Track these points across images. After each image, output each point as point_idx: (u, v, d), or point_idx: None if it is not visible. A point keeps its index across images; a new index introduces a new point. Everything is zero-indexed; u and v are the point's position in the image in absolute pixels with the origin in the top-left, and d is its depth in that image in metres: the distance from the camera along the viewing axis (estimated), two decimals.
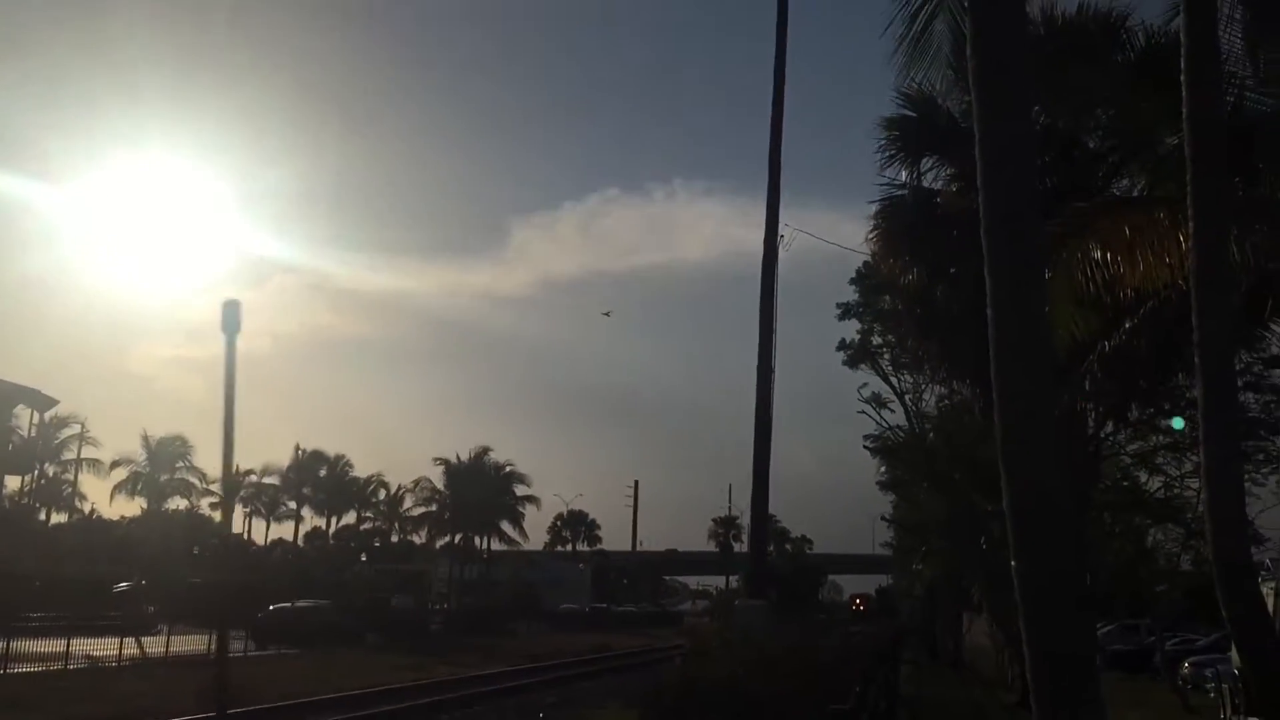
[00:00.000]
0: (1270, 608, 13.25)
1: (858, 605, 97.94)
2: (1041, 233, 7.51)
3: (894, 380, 35.20)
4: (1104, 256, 13.01)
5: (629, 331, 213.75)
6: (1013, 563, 7.14)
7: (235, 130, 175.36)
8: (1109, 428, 23.27)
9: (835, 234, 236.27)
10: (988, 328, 7.24)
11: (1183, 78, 10.56)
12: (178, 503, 78.62)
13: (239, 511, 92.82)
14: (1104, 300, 13.01)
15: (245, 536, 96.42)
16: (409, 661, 32.44)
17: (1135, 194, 17.13)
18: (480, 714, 20.91)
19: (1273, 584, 14.93)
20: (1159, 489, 30.44)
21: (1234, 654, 17.26)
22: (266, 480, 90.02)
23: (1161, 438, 27.62)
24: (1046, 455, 7.00)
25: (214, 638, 32.24)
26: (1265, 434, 24.76)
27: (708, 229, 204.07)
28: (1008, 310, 7.04)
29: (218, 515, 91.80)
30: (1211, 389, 10.07)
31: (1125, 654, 43.49)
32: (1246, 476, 26.68)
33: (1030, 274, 7.28)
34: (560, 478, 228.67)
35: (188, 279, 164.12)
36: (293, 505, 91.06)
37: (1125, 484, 30.66)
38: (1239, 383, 24.16)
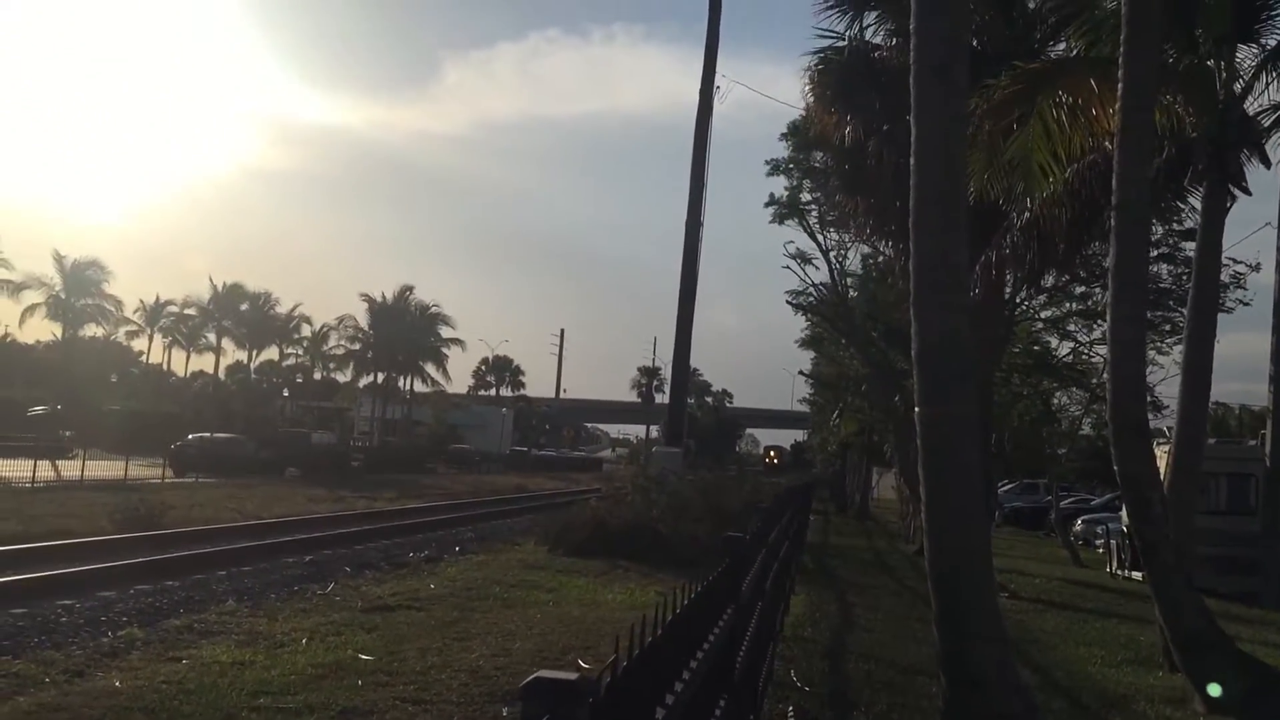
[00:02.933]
0: (1160, 470, 13.79)
1: (771, 458, 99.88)
2: (966, 82, 7.46)
3: (820, 238, 35.30)
4: (1075, 103, 12.90)
5: (564, 179, 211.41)
6: (915, 409, 7.32)
7: None
8: (1024, 292, 23.71)
9: (776, 88, 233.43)
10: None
11: None
12: (94, 330, 77.06)
13: (159, 341, 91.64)
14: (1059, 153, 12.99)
15: (165, 367, 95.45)
16: (327, 495, 32.69)
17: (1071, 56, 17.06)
18: (398, 546, 21.20)
19: (1167, 448, 15.54)
20: (1068, 354, 31.36)
21: (1123, 513, 18.10)
22: (187, 311, 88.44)
23: (1073, 304, 28.27)
24: (956, 302, 7.12)
25: (129, 463, 32.22)
26: (1174, 305, 25.44)
27: (647, 76, 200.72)
28: (929, 157, 7.06)
29: (136, 344, 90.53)
30: (1124, 253, 10.25)
31: (1023, 511, 45.45)
32: (1152, 346, 27.63)
33: (954, 124, 7.28)
34: (487, 323, 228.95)
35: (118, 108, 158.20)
36: (213, 338, 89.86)
37: (1036, 348, 31.51)
38: (1154, 253, 24.73)
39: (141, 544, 17.31)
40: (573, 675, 1.70)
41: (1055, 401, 36.03)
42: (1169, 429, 22.36)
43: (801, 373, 57.18)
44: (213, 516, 22.81)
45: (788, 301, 38.82)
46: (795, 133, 31.25)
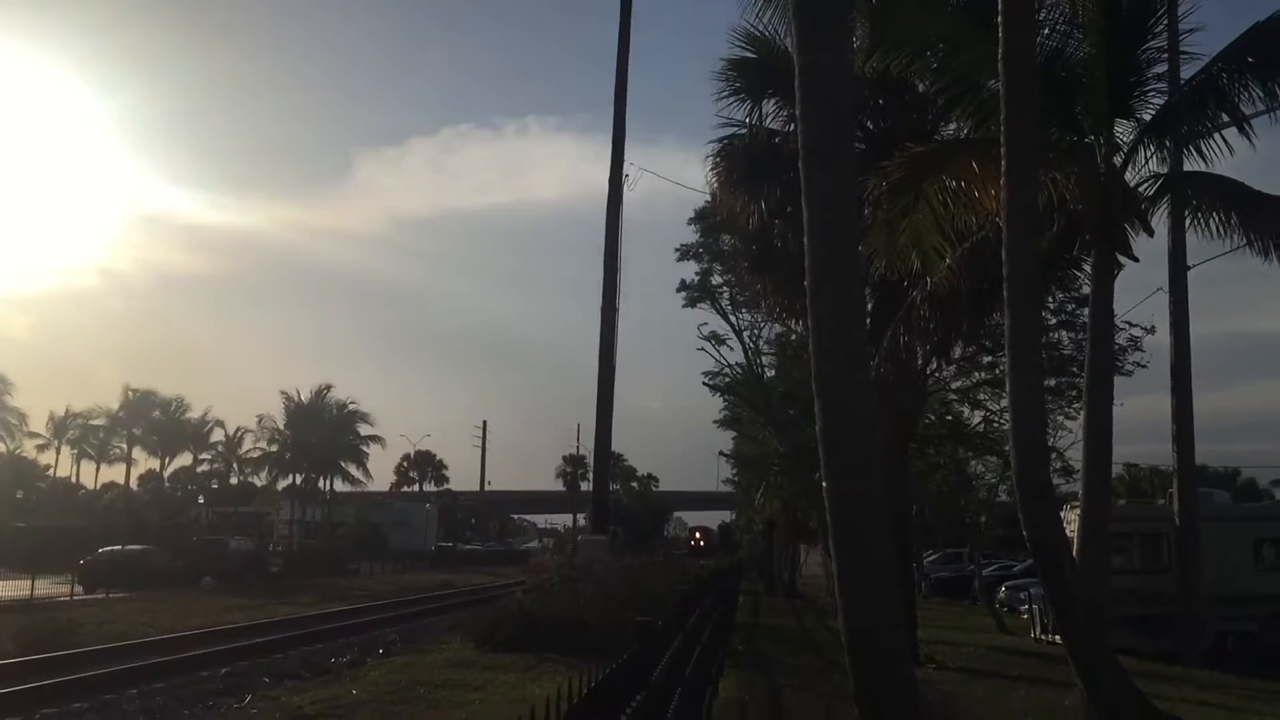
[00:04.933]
0: (1071, 533, 14.08)
1: (696, 540, 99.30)
2: (854, 164, 7.72)
3: (733, 318, 35.84)
4: (958, 186, 13.37)
5: (479, 272, 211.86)
6: (824, 484, 7.42)
7: (65, 55, 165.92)
8: (934, 365, 24.20)
9: (684, 174, 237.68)
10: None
11: (1000, 19, 10.90)
12: None
13: (66, 454, 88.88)
14: (948, 232, 13.41)
15: (74, 479, 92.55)
16: (245, 603, 31.82)
17: (962, 137, 17.69)
18: (319, 652, 20.68)
19: (1077, 511, 15.87)
20: (979, 423, 31.99)
21: None
22: (95, 422, 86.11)
23: (982, 374, 28.90)
24: (856, 379, 7.27)
25: (35, 581, 31.07)
26: (1077, 371, 26.13)
27: (560, 167, 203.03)
28: (820, 241, 7.26)
29: (43, 458, 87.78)
30: (1018, 323, 10.59)
31: (948, 580, 45.79)
32: (1060, 411, 28.36)
33: (842, 202, 7.50)
34: (407, 419, 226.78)
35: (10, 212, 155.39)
36: (124, 447, 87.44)
37: (949, 418, 32.09)
38: (1053, 321, 25.48)
39: (48, 665, 16.68)
40: None
41: (971, 469, 36.65)
42: (1080, 491, 22.91)
43: (722, 453, 57.47)
44: (124, 632, 22.06)
45: (704, 383, 39.21)
46: (702, 217, 31.84)
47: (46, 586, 32.91)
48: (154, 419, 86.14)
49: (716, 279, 34.47)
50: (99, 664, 17.35)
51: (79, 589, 34.72)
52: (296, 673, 17.46)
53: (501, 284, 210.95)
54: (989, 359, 27.63)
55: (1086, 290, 17.93)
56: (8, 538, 45.78)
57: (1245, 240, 13.27)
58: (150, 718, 12.80)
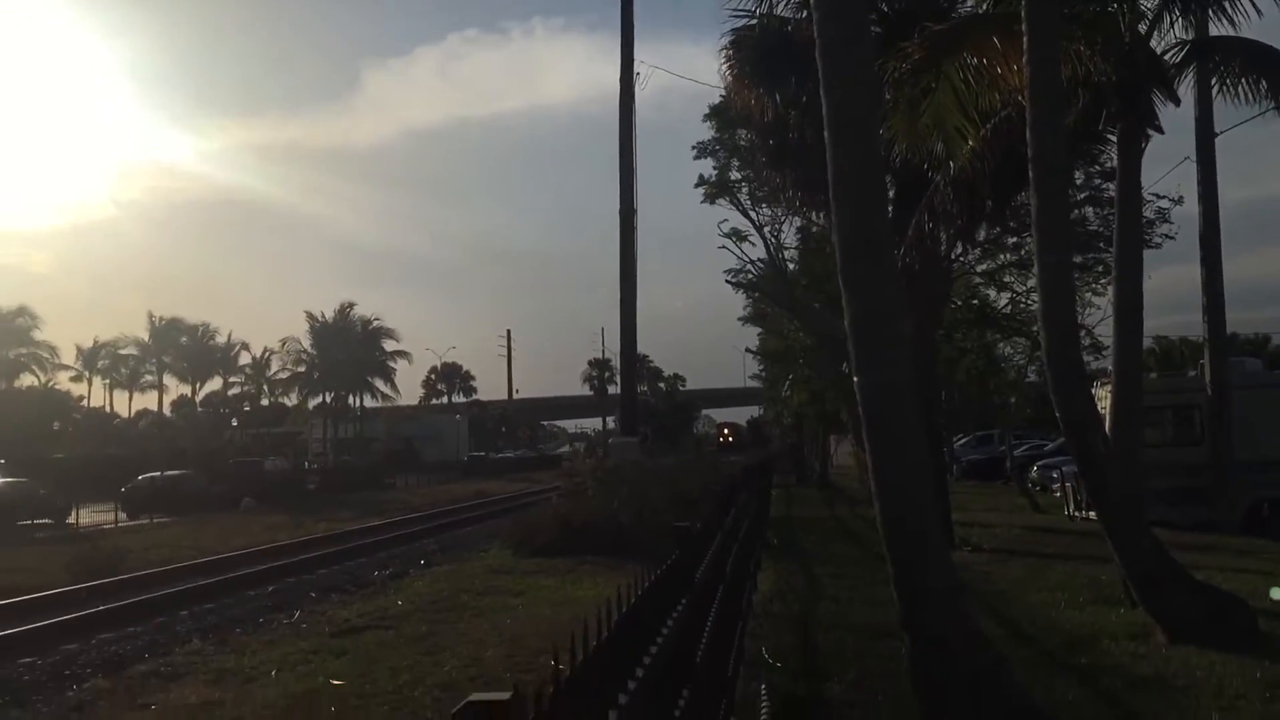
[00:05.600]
0: (1102, 410, 14.02)
1: (725, 436, 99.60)
2: (871, 51, 7.52)
3: (753, 214, 35.43)
4: (980, 64, 13.03)
5: (494, 179, 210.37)
6: (854, 377, 7.38)
7: None
8: (959, 249, 23.95)
9: (695, 69, 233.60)
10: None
11: None
12: (29, 379, 75.53)
13: (98, 385, 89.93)
14: (970, 112, 13.11)
15: (108, 409, 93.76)
16: (285, 522, 32.37)
17: (982, 12, 17.20)
18: (361, 566, 21.06)
19: (1109, 387, 15.78)
20: (1006, 305, 31.77)
21: None
22: (124, 351, 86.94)
23: (1007, 255, 28.59)
24: (882, 270, 7.18)
25: (78, 511, 31.70)
26: (1104, 246, 25.81)
27: (570, 69, 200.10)
28: (841, 130, 7.10)
29: (76, 390, 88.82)
30: (1045, 202, 10.40)
31: (980, 463, 45.96)
32: (1088, 288, 28.08)
33: (861, 91, 7.32)
34: (433, 332, 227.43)
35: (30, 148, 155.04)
36: (154, 375, 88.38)
37: (975, 302, 31.87)
38: (1080, 196, 25.11)
39: (100, 592, 17.10)
40: (505, 695, 1.70)
41: (999, 352, 36.51)
42: (1111, 369, 22.81)
43: (749, 349, 57.41)
44: (171, 556, 22.52)
45: (727, 281, 38.94)
46: (717, 113, 31.29)
47: (89, 515, 33.57)
48: (182, 345, 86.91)
49: (735, 175, 34.01)
50: (149, 588, 17.76)
51: (122, 516, 35.42)
52: (341, 587, 17.81)
53: (518, 189, 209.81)
54: (1014, 240, 27.31)
55: (1112, 164, 17.63)
56: (47, 469, 46.54)
57: (1275, 104, 12.94)
58: (204, 637, 13.08)
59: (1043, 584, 14.34)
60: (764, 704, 6.86)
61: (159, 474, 42.76)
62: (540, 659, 10.04)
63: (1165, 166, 25.68)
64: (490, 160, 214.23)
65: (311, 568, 20.65)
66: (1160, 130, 13.22)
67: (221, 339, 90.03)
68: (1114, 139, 14.45)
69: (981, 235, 24.02)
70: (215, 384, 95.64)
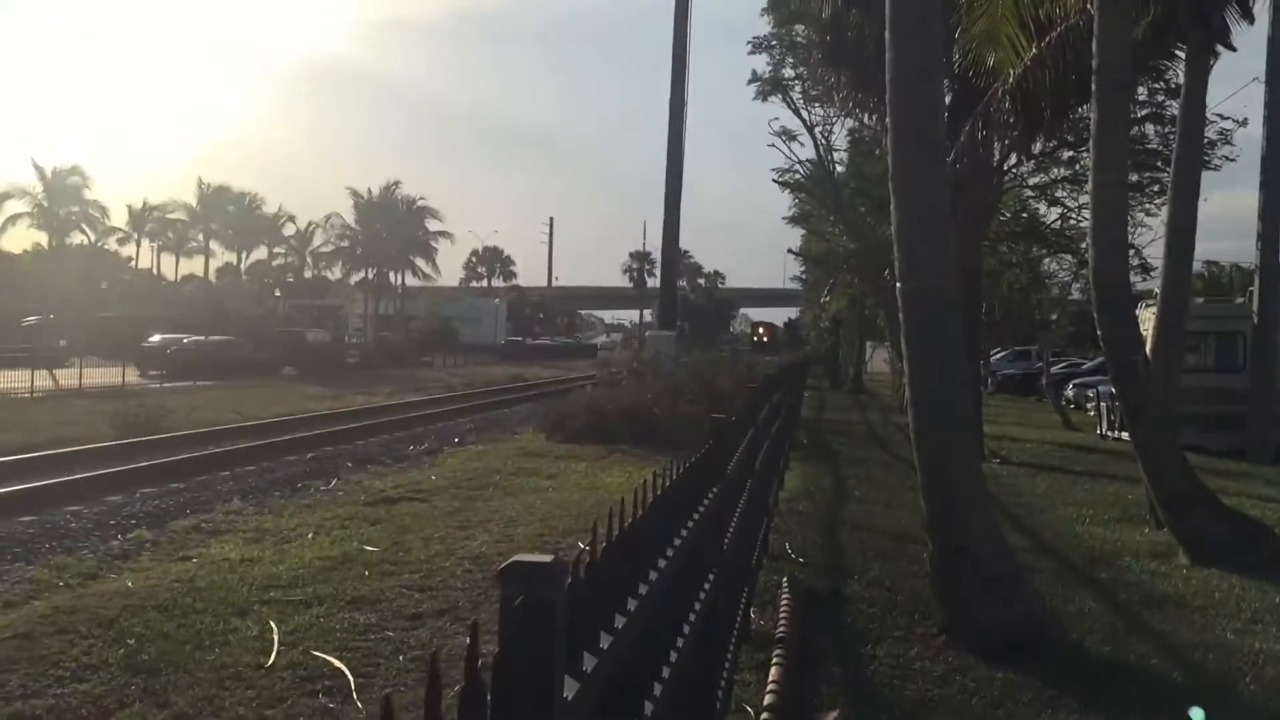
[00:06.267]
0: (1145, 331, 13.93)
1: (760, 335, 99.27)
2: None
3: (804, 113, 34.91)
4: None
5: (545, 66, 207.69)
6: (896, 284, 7.38)
7: None
8: (1012, 160, 23.55)
9: None
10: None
11: None
12: (80, 238, 76.47)
13: (146, 248, 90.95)
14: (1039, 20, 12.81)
15: (155, 271, 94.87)
16: (325, 393, 32.87)
17: None
18: (397, 440, 21.46)
19: (1153, 309, 15.64)
20: (1056, 220, 31.30)
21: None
22: (172, 215, 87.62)
23: (1061, 170, 28.06)
24: (933, 177, 7.12)
25: (125, 370, 32.34)
26: (1162, 165, 25.30)
27: None
28: (903, 29, 6.99)
29: (124, 250, 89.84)
30: (1105, 117, 10.22)
31: (1015, 378, 45.86)
32: (1140, 207, 27.61)
33: None
34: (476, 215, 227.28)
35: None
36: (201, 240, 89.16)
37: (1024, 215, 31.43)
38: (1140, 114, 24.52)
39: (144, 448, 17.54)
40: (548, 558, 1.80)
41: (1044, 268, 36.12)
42: (1158, 291, 22.54)
43: (791, 250, 57.09)
44: (213, 419, 23.00)
45: (774, 180, 38.58)
46: (775, 7, 30.63)
47: (134, 375, 34.25)
48: (229, 213, 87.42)
49: (789, 72, 33.42)
50: (191, 447, 18.22)
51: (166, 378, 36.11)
52: (377, 459, 18.18)
53: (568, 77, 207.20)
54: (1069, 154, 26.79)
55: (1178, 81, 17.19)
56: (96, 327, 47.33)
57: None
58: (244, 498, 13.47)
59: (1069, 499, 14.46)
60: (784, 596, 7.04)
61: (204, 337, 43.37)
62: (568, 539, 10.31)
63: (1232, 86, 24.95)
64: (542, 46, 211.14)
65: (349, 438, 21.06)
66: (1232, 48, 12.89)
67: (269, 209, 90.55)
68: (1182, 55, 14.11)
69: (1037, 148, 23.56)
70: (260, 253, 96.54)
